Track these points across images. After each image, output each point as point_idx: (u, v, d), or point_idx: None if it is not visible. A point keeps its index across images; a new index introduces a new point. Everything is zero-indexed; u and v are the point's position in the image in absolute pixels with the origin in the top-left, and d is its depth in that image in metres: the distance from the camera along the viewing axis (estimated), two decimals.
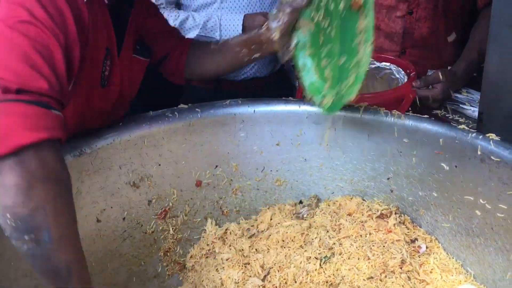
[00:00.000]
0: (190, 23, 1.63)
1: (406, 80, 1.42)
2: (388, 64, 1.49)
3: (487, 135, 1.03)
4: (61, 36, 0.82)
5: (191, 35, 1.62)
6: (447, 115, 1.33)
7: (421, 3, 1.57)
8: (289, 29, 1.18)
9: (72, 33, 0.85)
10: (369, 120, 1.22)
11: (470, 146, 1.05)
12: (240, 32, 1.55)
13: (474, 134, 1.05)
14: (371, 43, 1.03)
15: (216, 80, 1.73)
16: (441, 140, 1.11)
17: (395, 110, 1.21)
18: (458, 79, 1.36)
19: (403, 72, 1.45)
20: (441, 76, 1.30)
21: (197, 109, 1.28)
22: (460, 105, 1.33)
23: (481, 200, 1.06)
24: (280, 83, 1.86)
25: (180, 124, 1.26)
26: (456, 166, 1.10)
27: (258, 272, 1.22)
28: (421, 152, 1.17)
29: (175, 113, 1.26)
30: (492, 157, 1.00)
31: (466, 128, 1.07)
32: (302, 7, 1.14)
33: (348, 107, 1.25)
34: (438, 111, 1.36)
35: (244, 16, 1.56)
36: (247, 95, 1.79)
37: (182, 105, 1.29)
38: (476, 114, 1.28)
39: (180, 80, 1.39)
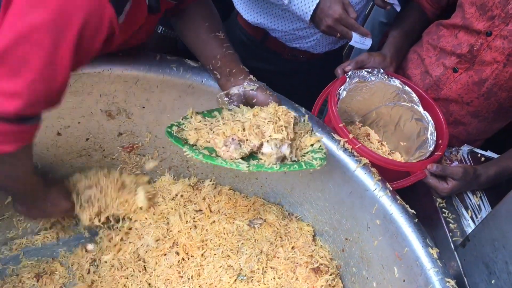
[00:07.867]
0: None
1: (431, 147, 1.27)
2: (429, 118, 1.31)
3: (447, 280, 0.94)
4: None
5: None
6: (444, 209, 1.20)
7: (470, 69, 1.28)
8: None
9: None
10: (358, 180, 1.11)
11: (424, 279, 0.96)
12: (311, 9, 1.30)
13: (436, 270, 0.95)
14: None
15: (265, 33, 1.57)
16: (406, 249, 1.01)
17: (389, 186, 1.10)
18: (478, 184, 1.19)
19: (435, 136, 1.29)
20: (460, 175, 1.14)
21: (204, 74, 1.17)
22: (463, 210, 1.20)
23: None
24: (329, 64, 1.67)
25: (181, 81, 1.17)
26: (404, 280, 1.03)
27: (177, 252, 1.22)
28: (384, 242, 1.08)
29: (180, 68, 1.16)
30: None
31: (435, 259, 0.97)
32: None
33: (350, 155, 1.14)
34: (440, 200, 1.22)
35: None
36: (287, 64, 1.65)
37: (191, 63, 1.18)
38: (468, 231, 1.15)
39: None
